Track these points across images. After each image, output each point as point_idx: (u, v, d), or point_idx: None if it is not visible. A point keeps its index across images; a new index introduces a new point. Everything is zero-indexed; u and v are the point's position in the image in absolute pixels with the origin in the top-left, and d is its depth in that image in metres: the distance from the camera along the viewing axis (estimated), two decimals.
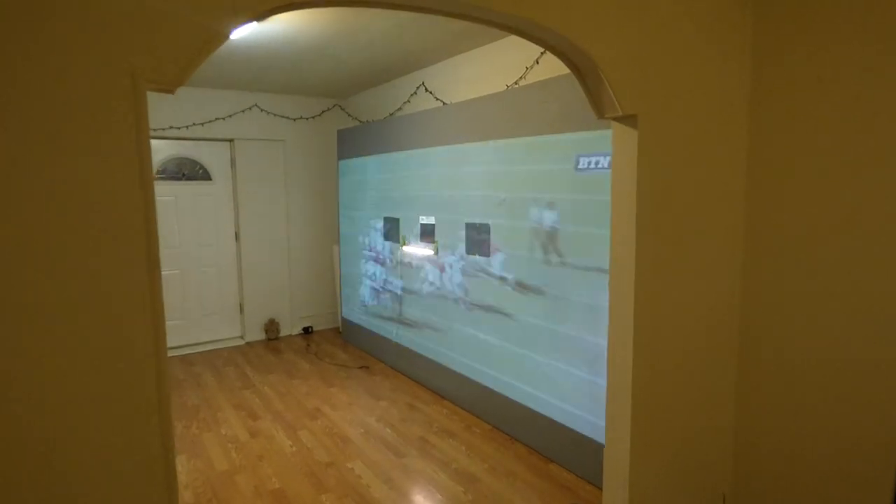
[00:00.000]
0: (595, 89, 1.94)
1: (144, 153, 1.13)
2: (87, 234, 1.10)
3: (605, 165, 2.64)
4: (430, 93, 4.43)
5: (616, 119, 1.98)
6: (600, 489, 2.74)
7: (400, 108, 4.88)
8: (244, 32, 3.41)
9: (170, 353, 5.27)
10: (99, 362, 1.13)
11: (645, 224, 1.96)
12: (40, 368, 1.08)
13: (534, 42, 1.83)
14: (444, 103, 4.22)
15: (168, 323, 5.30)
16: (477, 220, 3.58)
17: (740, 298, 2.29)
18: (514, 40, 3.57)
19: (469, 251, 3.68)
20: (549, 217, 3.01)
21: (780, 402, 2.20)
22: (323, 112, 5.89)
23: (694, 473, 2.27)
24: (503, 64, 3.66)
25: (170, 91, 1.19)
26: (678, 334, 2.12)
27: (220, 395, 4.21)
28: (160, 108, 5.01)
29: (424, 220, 4.16)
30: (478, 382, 3.67)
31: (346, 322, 5.61)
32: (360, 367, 4.81)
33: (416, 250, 4.28)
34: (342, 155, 5.41)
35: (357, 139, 5.11)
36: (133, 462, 1.18)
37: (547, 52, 3.31)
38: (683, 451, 2.22)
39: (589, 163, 2.74)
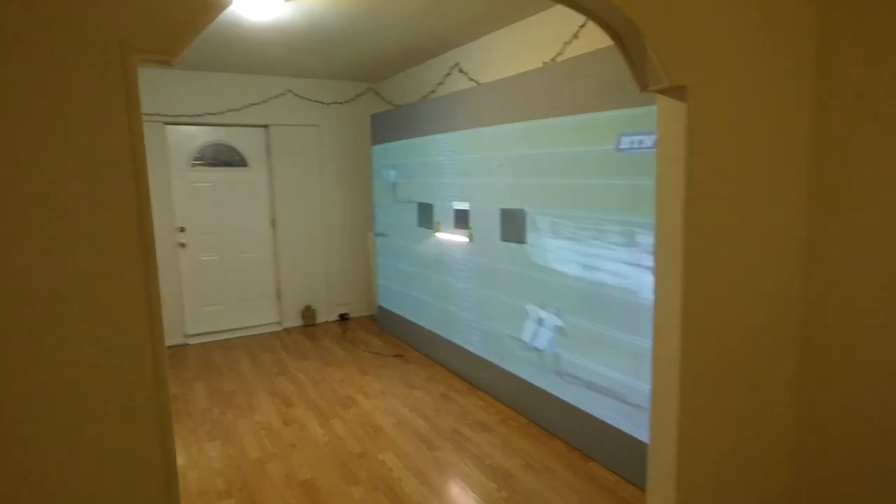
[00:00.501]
0: (638, 58, 1.75)
1: (136, 130, 1.03)
2: (74, 216, 1.02)
3: (650, 145, 2.44)
4: (465, 73, 4.27)
5: (662, 92, 1.79)
6: (643, 491, 2.58)
7: (433, 91, 4.74)
8: (274, 14, 3.34)
9: (209, 338, 5.36)
10: (89, 355, 1.06)
11: (694, 207, 1.78)
12: (28, 362, 1.01)
13: (569, 6, 1.65)
14: (478, 84, 4.05)
15: (207, 308, 5.39)
16: (513, 206, 3.42)
17: (802, 288, 2.07)
18: (549, 15, 3.36)
19: (504, 237, 3.53)
20: (588, 202, 2.82)
21: (847, 400, 1.99)
22: (357, 96, 5.81)
23: (748, 477, 2.08)
24: (539, 40, 3.46)
25: (168, 63, 1.10)
26: (731, 327, 1.93)
27: (255, 381, 4.24)
28: (195, 94, 5.03)
29: (458, 205, 4.03)
30: (513, 374, 3.54)
31: (381, 310, 5.57)
32: (395, 356, 4.75)
33: (451, 237, 4.16)
34: (376, 140, 5.32)
35: (390, 123, 5.00)
36: (130, 465, 1.11)
37: (585, 26, 3.11)
38: (737, 454, 2.03)
39: (632, 142, 2.54)
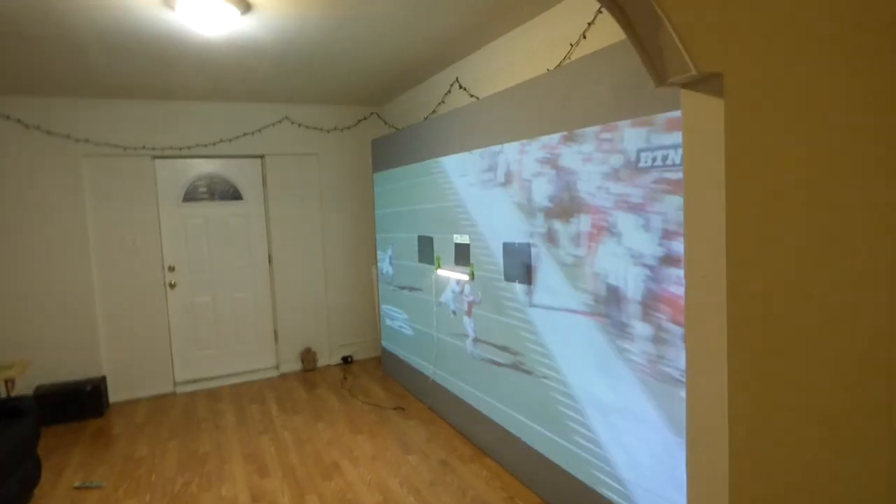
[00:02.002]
0: (652, 42, 1.21)
1: None
2: None
3: (678, 161, 1.88)
4: (464, 89, 3.79)
5: (687, 85, 1.25)
6: None
7: (434, 111, 4.28)
8: (230, 28, 2.94)
9: (199, 386, 4.94)
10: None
11: (741, 234, 1.21)
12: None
13: None
14: (477, 100, 3.56)
15: (200, 353, 4.98)
16: (516, 240, 2.87)
17: None
18: (551, 15, 2.86)
19: (508, 277, 2.97)
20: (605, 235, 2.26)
21: None
22: (359, 122, 5.41)
23: None
24: (543, 45, 2.95)
25: None
26: (798, 401, 1.33)
27: (234, 441, 3.75)
28: (184, 125, 4.71)
29: (458, 238, 3.51)
30: (525, 443, 2.95)
31: (385, 352, 5.04)
32: (395, 408, 4.20)
33: (451, 274, 3.63)
34: (377, 167, 4.88)
35: (390, 148, 4.55)
36: None
37: (595, 23, 2.58)
38: None
39: (654, 158, 1.98)
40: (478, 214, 3.24)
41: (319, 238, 5.34)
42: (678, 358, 1.92)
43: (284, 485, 3.12)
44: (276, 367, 5.29)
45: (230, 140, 4.91)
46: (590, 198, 2.32)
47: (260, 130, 5.01)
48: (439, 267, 3.80)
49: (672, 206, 1.90)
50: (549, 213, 2.59)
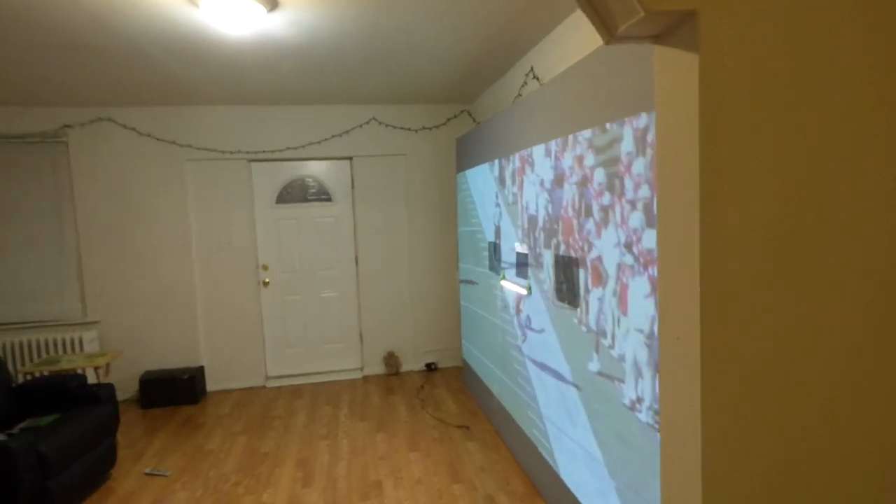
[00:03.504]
0: None
1: None
2: None
3: None
4: (537, 78, 3.36)
5: (648, 36, 0.81)
6: None
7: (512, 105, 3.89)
8: (256, 27, 2.87)
9: (286, 382, 5.10)
10: None
11: (716, 234, 0.75)
12: None
13: None
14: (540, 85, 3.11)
15: (290, 350, 5.14)
16: (568, 253, 2.42)
17: None
18: None
19: (559, 296, 2.53)
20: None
21: None
22: (448, 120, 5.19)
23: None
24: None
25: None
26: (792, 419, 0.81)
27: (294, 444, 3.74)
28: (273, 130, 4.88)
29: (518, 247, 3.11)
30: (573, 493, 2.49)
31: (465, 363, 4.77)
32: (460, 427, 3.91)
33: (511, 287, 3.24)
34: (460, 167, 4.61)
35: (472, 147, 4.26)
36: None
37: None
38: None
39: None
40: (539, 220, 2.82)
41: (405, 240, 5.22)
42: None
43: (321, 499, 3.01)
44: (361, 370, 5.29)
45: (319, 142, 4.98)
46: None
47: (348, 132, 5.02)
48: (503, 278, 3.43)
49: None
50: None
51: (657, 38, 0.81)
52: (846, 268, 0.83)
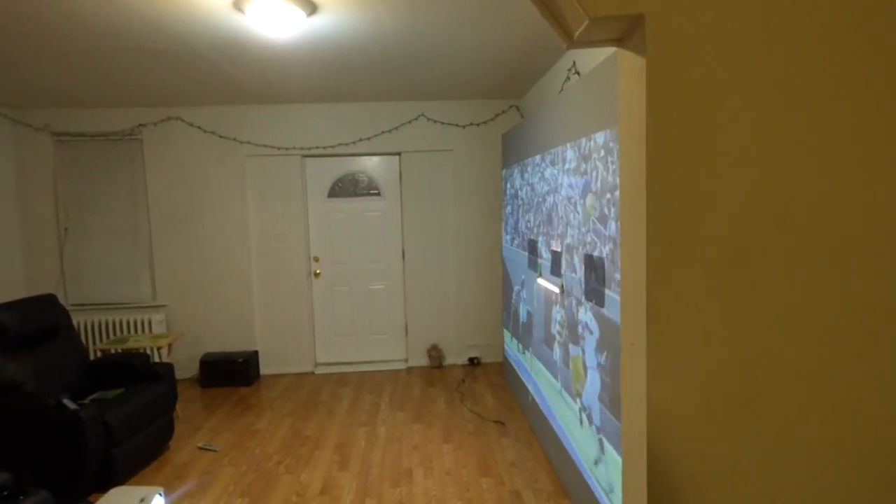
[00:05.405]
0: None
1: None
2: None
3: None
4: (578, 73, 3.32)
5: (609, 40, 0.81)
6: None
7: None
8: (296, 30, 2.99)
9: (334, 369, 5.30)
10: None
11: (661, 242, 0.76)
12: None
13: None
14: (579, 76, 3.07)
15: (338, 338, 5.35)
16: (595, 252, 2.40)
17: None
18: None
19: (588, 296, 2.51)
20: None
21: None
22: (496, 116, 5.19)
23: None
24: None
25: None
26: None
27: (336, 429, 3.91)
28: (326, 126, 5.06)
29: (554, 245, 3.10)
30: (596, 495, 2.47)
31: (506, 359, 4.78)
32: (496, 422, 3.93)
33: (547, 285, 3.23)
34: (505, 162, 4.61)
35: (514, 143, 4.25)
36: None
37: None
38: None
39: None
40: (574, 218, 2.80)
41: (451, 235, 5.29)
42: None
43: (354, 483, 3.13)
44: (405, 361, 5.41)
45: (369, 138, 5.12)
46: None
47: (397, 128, 5.13)
48: (540, 275, 3.42)
49: None
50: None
51: (619, 42, 0.81)
52: (808, 278, 0.80)
